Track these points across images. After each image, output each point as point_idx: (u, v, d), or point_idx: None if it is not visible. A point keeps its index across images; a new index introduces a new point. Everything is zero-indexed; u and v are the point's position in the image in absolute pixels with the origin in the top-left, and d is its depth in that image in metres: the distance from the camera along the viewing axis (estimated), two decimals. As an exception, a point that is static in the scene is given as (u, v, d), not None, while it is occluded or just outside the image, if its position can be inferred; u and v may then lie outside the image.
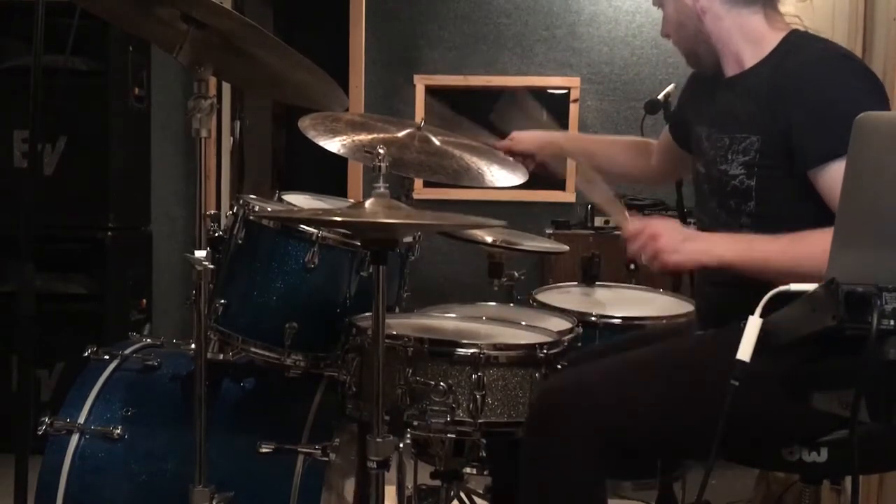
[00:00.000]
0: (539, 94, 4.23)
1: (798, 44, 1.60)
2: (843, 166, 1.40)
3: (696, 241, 1.52)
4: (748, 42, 1.63)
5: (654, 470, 2.12)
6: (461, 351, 1.51)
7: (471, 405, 1.49)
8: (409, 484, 2.13)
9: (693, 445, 1.47)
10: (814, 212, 1.48)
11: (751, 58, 1.63)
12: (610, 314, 2.10)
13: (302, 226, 1.76)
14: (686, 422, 1.41)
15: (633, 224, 1.55)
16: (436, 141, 2.01)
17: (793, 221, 1.52)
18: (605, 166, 2.09)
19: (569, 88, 4.19)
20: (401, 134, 1.99)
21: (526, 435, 1.52)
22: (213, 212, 1.85)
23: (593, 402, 1.46)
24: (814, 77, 1.53)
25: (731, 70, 1.67)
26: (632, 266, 2.88)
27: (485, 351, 1.51)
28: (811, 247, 1.39)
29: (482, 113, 4.41)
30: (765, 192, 1.56)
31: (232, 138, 4.31)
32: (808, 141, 1.49)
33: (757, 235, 1.51)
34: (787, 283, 1.09)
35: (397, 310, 1.96)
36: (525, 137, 2.10)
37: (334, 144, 1.91)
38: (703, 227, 1.72)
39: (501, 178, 2.04)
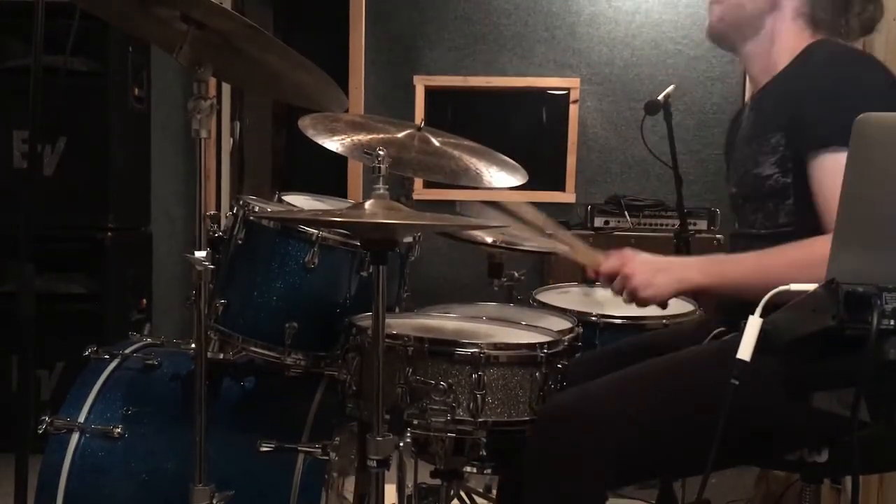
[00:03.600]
0: (539, 94, 4.24)
1: (818, 47, 1.60)
2: (837, 158, 1.42)
3: (668, 272, 1.57)
4: (785, 52, 1.63)
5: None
6: (461, 350, 1.51)
7: (471, 404, 1.50)
8: (410, 483, 2.14)
9: (699, 460, 1.44)
10: None
11: (780, 66, 1.63)
12: (610, 314, 2.11)
13: (302, 226, 1.76)
14: (691, 438, 1.35)
15: (607, 264, 1.61)
16: (435, 142, 2.01)
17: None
18: None
19: (568, 89, 4.19)
20: (401, 134, 1.99)
21: (528, 454, 1.52)
22: (213, 212, 1.85)
23: (596, 422, 1.46)
24: (826, 70, 1.53)
25: (761, 78, 1.68)
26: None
27: (485, 350, 1.51)
28: (778, 263, 1.46)
29: (481, 113, 4.43)
30: (802, 187, 1.54)
31: (232, 139, 4.31)
32: (809, 130, 1.49)
33: (727, 256, 1.57)
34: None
35: (397, 310, 1.96)
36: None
37: (334, 144, 1.91)
38: (736, 242, 1.74)
39: (500, 178, 2.05)
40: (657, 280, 1.56)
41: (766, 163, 1.58)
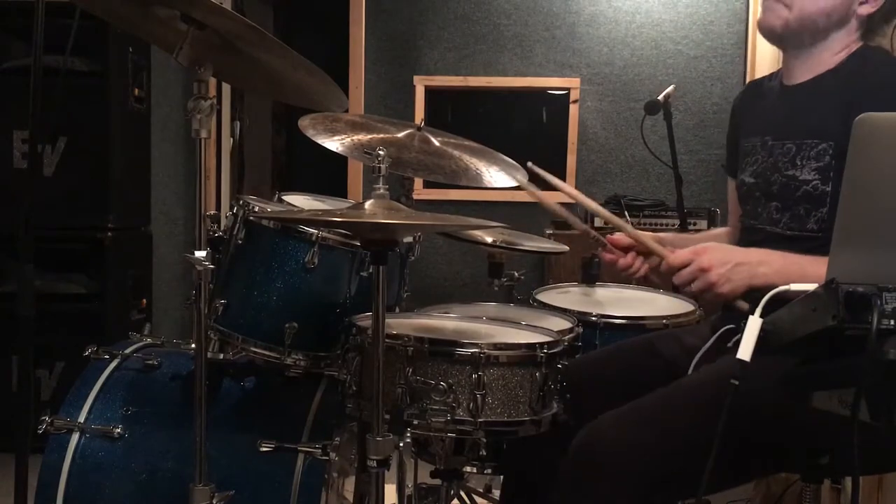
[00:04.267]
0: (539, 94, 4.24)
1: (871, 53, 1.61)
2: None
3: (746, 266, 1.51)
4: (834, 56, 1.64)
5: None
6: (461, 350, 1.51)
7: (471, 404, 1.50)
8: (410, 483, 2.13)
9: (721, 479, 1.38)
10: None
11: (825, 68, 1.64)
12: (610, 314, 2.10)
13: (302, 226, 1.76)
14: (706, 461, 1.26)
15: (678, 257, 1.56)
16: (435, 142, 2.01)
17: None
18: None
19: (568, 89, 4.19)
20: (401, 134, 1.99)
21: (560, 488, 1.52)
22: (213, 212, 1.85)
23: (614, 471, 1.46)
24: (890, 78, 1.53)
25: (799, 76, 1.67)
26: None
27: (485, 350, 1.51)
28: None
29: (481, 114, 4.43)
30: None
31: (232, 139, 4.31)
32: None
33: (803, 256, 1.51)
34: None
35: (397, 310, 1.96)
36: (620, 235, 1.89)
37: (334, 144, 1.91)
38: (752, 235, 1.72)
39: (500, 178, 2.04)
40: (735, 275, 1.50)
41: (806, 167, 1.58)
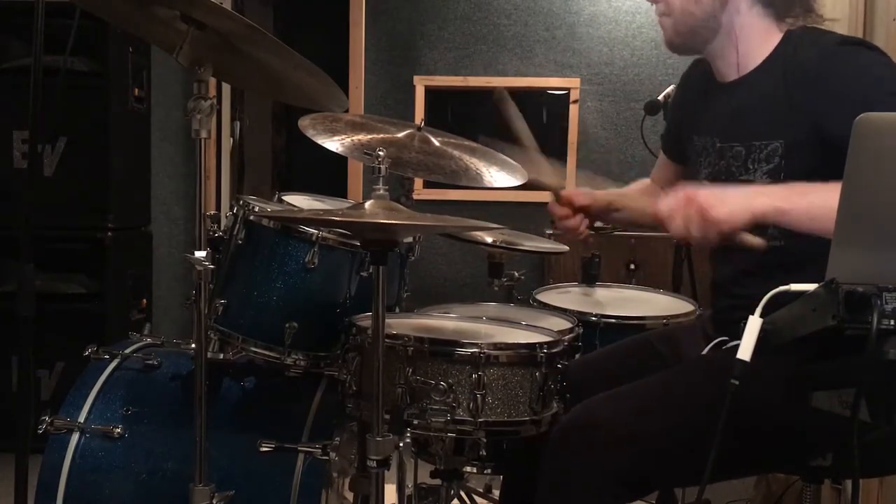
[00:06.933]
0: (539, 94, 4.24)
1: (804, 36, 1.55)
2: None
3: (739, 190, 1.36)
4: (753, 44, 1.58)
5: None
6: (461, 350, 1.51)
7: (471, 404, 1.50)
8: (410, 483, 2.14)
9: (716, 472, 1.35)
10: None
11: (752, 60, 1.58)
12: (610, 314, 2.11)
13: (302, 226, 1.76)
14: (701, 448, 1.21)
15: (663, 203, 1.40)
16: (435, 142, 2.01)
17: None
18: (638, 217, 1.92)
19: (568, 89, 4.19)
20: (401, 134, 1.99)
21: (541, 470, 1.51)
22: (213, 212, 1.85)
23: (607, 443, 1.46)
24: (836, 64, 1.46)
25: (729, 73, 1.63)
26: (632, 266, 2.87)
27: (485, 350, 1.51)
28: None
29: (481, 114, 4.42)
30: None
31: (232, 139, 4.31)
32: (841, 130, 1.40)
33: (803, 183, 1.38)
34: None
35: (397, 310, 1.96)
36: (579, 193, 1.88)
37: (334, 144, 1.91)
38: (720, 254, 1.68)
39: (500, 178, 2.04)
40: (729, 197, 1.33)
41: (758, 171, 1.54)
